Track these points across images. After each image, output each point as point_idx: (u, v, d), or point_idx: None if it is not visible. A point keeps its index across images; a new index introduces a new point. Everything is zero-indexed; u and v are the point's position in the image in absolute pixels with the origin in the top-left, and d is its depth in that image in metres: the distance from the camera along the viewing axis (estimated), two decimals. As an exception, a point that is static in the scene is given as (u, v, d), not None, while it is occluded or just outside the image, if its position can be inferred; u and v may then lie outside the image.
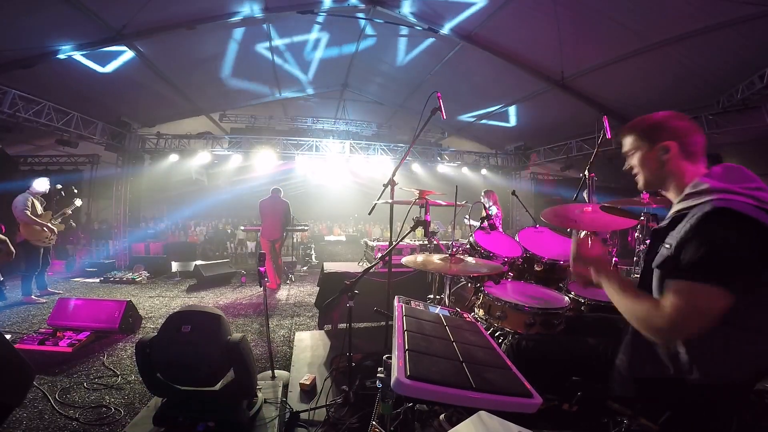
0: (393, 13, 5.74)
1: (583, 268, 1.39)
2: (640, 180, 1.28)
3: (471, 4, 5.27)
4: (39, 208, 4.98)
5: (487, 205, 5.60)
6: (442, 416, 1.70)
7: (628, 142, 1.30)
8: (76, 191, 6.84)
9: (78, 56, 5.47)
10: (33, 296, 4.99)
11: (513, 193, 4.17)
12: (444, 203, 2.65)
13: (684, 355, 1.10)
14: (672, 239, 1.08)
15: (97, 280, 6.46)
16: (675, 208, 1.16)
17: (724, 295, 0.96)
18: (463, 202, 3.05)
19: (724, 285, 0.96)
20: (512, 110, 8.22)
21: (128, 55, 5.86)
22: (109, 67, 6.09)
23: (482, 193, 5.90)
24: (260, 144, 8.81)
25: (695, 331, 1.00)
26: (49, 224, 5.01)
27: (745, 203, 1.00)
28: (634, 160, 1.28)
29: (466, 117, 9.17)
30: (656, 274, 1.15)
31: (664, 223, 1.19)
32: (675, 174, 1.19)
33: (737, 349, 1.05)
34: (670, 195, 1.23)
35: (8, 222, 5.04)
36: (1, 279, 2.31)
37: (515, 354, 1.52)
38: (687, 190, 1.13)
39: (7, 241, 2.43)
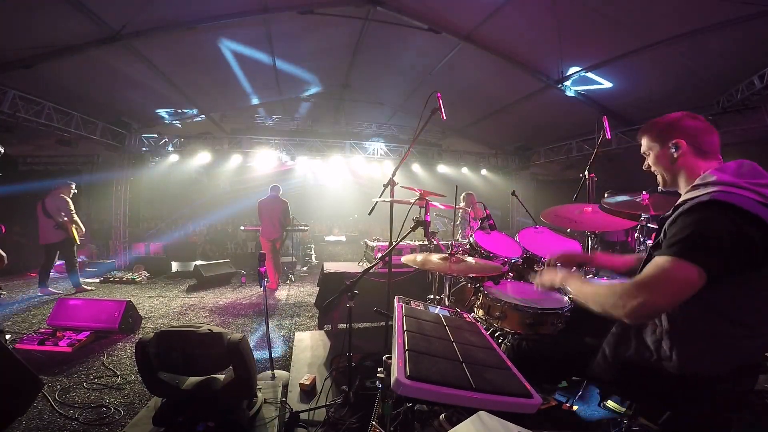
0: (393, 13, 5.74)
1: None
2: (659, 179, 1.32)
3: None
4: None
5: (468, 208, 5.63)
6: (442, 416, 1.70)
7: (643, 143, 1.34)
8: (76, 191, 6.87)
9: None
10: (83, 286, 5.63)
11: (513, 193, 4.16)
12: (443, 206, 2.64)
13: (666, 341, 1.12)
14: (672, 224, 1.10)
15: (97, 280, 6.46)
16: (683, 197, 1.17)
17: (699, 275, 0.95)
18: (462, 204, 3.06)
19: (701, 265, 0.95)
20: (512, 110, 8.20)
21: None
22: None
23: (463, 194, 5.90)
24: (260, 144, 8.81)
25: (662, 304, 1.00)
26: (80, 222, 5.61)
27: (747, 197, 1.01)
28: (650, 160, 1.32)
29: (466, 117, 9.17)
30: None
31: (669, 212, 1.20)
32: (686, 170, 1.22)
33: (719, 341, 1.06)
34: (682, 191, 1.25)
35: (20, 221, 5.40)
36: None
37: (515, 354, 1.53)
38: (696, 182, 1.16)
39: None
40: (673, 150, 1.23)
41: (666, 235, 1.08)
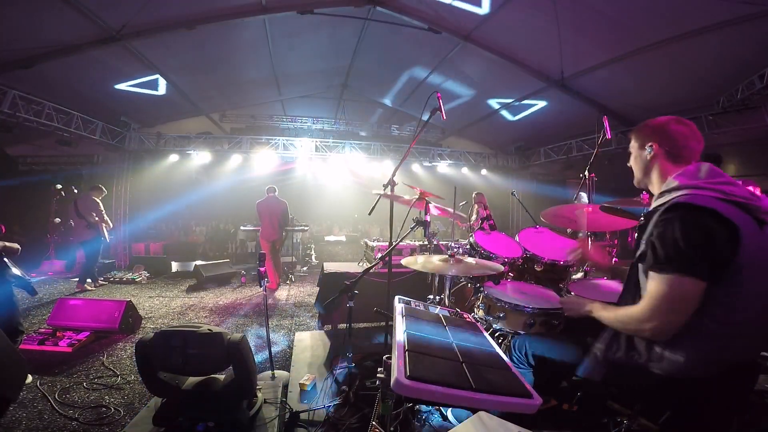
0: (393, 13, 5.75)
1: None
2: (635, 177, 1.41)
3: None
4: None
5: (476, 208, 5.67)
6: (449, 411, 1.72)
7: (630, 141, 1.43)
8: (76, 191, 6.86)
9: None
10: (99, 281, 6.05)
11: (513, 193, 4.17)
12: (443, 207, 2.64)
13: (658, 345, 1.15)
14: (646, 234, 1.19)
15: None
16: (653, 205, 1.26)
17: (695, 283, 1.04)
18: (463, 203, 3.06)
19: (693, 274, 1.04)
20: (512, 110, 8.22)
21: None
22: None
23: (473, 195, 5.99)
24: (260, 144, 8.80)
25: (676, 318, 1.08)
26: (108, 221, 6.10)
27: (708, 196, 1.08)
28: (630, 158, 1.42)
29: (466, 117, 9.17)
30: (640, 267, 1.24)
31: (642, 220, 1.28)
32: (657, 172, 1.29)
33: (706, 340, 1.09)
34: (654, 192, 1.33)
35: (20, 221, 5.59)
36: (29, 278, 2.46)
37: (515, 354, 1.53)
38: (662, 188, 1.23)
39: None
40: (647, 152, 1.30)
41: (647, 246, 1.15)
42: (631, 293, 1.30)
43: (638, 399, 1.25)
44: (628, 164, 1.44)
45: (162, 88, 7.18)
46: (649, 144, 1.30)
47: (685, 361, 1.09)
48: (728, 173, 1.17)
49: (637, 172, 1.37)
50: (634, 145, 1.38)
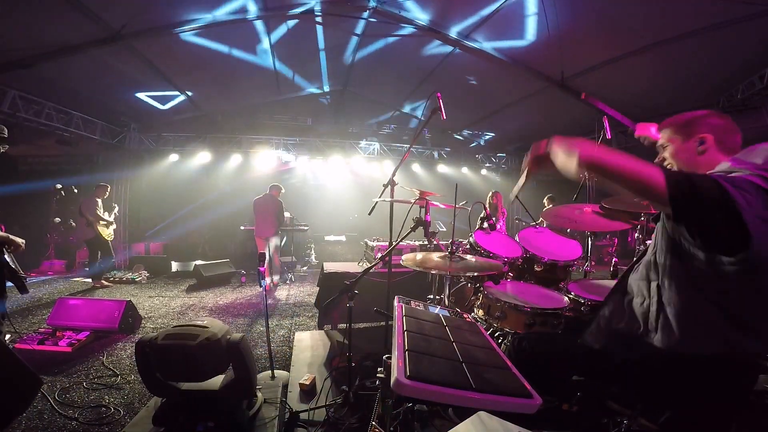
0: (393, 12, 5.74)
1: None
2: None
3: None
4: (102, 208, 6.14)
5: (491, 206, 5.77)
6: (450, 409, 1.72)
7: (664, 135, 1.35)
8: (76, 191, 6.85)
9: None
10: (102, 281, 6.12)
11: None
12: (443, 205, 2.64)
13: (654, 315, 1.19)
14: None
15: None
16: None
17: (663, 189, 0.94)
18: (463, 203, 3.05)
19: (671, 186, 0.94)
20: (512, 110, 8.20)
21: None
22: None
23: (490, 194, 6.13)
24: (260, 144, 8.79)
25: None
26: (110, 219, 6.25)
27: (745, 180, 0.98)
28: (666, 153, 1.33)
29: (466, 117, 9.17)
30: (636, 274, 1.31)
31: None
32: (707, 165, 1.20)
33: (710, 330, 1.09)
34: None
35: (20, 221, 5.64)
36: (23, 274, 2.44)
37: (515, 354, 1.53)
38: (714, 171, 1.13)
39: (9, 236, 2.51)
40: (699, 144, 1.24)
41: None
42: (620, 293, 1.34)
43: (630, 369, 1.25)
44: (660, 160, 1.34)
45: (162, 87, 7.20)
46: (701, 136, 1.24)
47: (682, 340, 1.12)
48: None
49: (682, 167, 1.28)
50: (673, 138, 1.30)
